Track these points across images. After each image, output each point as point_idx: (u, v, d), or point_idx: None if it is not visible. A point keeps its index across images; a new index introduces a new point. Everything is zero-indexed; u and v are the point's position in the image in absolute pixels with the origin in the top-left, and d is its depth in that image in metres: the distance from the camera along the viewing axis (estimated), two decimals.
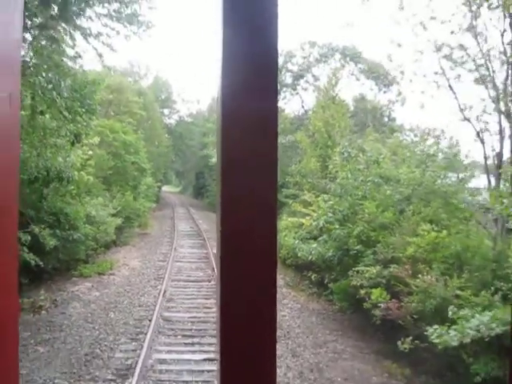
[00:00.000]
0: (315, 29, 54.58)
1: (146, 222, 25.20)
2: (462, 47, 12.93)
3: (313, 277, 13.28)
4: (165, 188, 57.53)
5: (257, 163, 0.90)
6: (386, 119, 27.58)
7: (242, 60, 0.90)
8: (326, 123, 17.77)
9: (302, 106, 24.73)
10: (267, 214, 0.90)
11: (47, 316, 10.01)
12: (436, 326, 6.26)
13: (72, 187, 13.19)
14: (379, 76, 26.74)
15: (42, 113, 9.90)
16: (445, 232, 8.93)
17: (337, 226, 11.53)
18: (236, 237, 0.90)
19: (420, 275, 8.19)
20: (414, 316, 7.94)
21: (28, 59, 9.46)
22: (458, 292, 7.42)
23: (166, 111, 53.29)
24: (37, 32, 9.54)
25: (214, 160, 35.28)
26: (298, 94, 27.75)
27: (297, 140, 20.39)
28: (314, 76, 28.87)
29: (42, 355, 7.87)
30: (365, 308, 9.40)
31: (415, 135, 15.20)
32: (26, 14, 8.43)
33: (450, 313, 6.54)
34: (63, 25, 9.69)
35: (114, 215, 16.49)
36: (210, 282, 13.30)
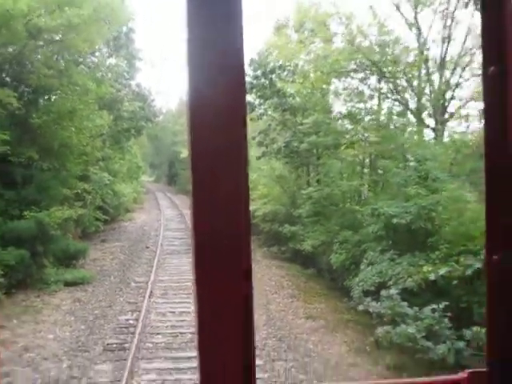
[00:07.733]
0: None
1: (141, 201, 40.65)
2: None
3: None
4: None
5: (225, 160, 0.92)
6: None
7: (208, 59, 0.92)
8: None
9: None
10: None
11: (118, 229, 25.58)
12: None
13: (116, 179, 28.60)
14: None
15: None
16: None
17: None
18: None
19: None
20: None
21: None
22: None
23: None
24: None
25: (183, 155, 49.83)
26: None
27: None
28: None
29: (129, 233, 23.66)
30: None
31: None
32: None
33: None
34: None
35: (131, 193, 31.98)
36: (180, 220, 28.97)
